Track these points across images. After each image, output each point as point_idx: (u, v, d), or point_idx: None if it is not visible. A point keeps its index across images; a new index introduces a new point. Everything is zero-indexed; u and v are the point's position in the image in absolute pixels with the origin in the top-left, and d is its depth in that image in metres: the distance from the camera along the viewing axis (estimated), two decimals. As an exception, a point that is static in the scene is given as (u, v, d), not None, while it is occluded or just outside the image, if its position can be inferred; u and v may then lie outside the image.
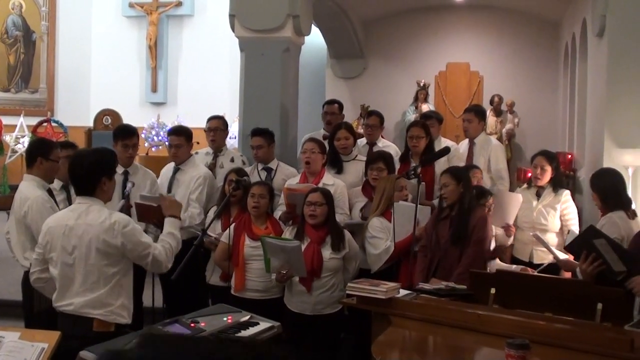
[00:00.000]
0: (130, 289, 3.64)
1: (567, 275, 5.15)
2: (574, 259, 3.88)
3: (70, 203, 4.97)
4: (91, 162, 3.58)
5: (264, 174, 5.81)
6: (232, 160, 6.12)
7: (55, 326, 3.50)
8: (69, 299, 3.49)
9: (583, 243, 3.85)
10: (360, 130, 7.94)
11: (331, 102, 6.71)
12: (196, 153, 6.04)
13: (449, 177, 4.70)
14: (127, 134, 5.47)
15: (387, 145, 6.13)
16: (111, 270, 3.49)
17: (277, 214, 5.30)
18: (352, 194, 5.44)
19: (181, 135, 5.71)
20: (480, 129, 6.30)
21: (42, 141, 5.12)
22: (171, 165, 5.77)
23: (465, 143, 6.35)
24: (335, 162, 5.71)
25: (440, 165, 5.50)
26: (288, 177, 5.71)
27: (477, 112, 6.31)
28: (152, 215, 4.76)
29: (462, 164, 6.03)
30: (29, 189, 4.57)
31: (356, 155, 5.77)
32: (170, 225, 3.81)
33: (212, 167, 5.98)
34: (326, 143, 5.76)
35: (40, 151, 4.69)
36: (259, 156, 5.85)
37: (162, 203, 3.98)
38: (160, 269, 3.68)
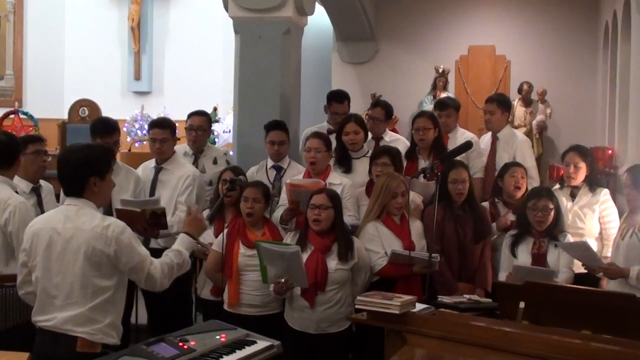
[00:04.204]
0: (121, 307, 3.59)
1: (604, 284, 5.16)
2: None
3: (41, 208, 4.96)
4: (78, 159, 3.53)
5: (272, 173, 5.77)
6: (214, 162, 6.09)
7: (21, 346, 3.48)
8: (50, 313, 3.44)
9: None
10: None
11: (340, 99, 6.47)
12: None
13: (465, 171, 5.17)
14: (107, 130, 5.43)
15: (396, 139, 6.10)
16: (103, 284, 3.44)
17: (278, 214, 5.27)
18: (357, 195, 5.40)
19: (166, 128, 5.70)
20: (504, 121, 6.28)
21: (12, 137, 5.04)
22: (150, 164, 5.75)
23: (487, 137, 6.33)
24: (343, 160, 5.69)
25: None
26: None
27: (500, 102, 6.28)
28: (135, 221, 4.76)
29: (483, 160, 6.03)
30: (4, 192, 4.48)
31: (367, 152, 5.71)
32: (180, 242, 3.77)
33: None
34: (333, 138, 5.74)
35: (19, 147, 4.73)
36: (281, 153, 5.79)
37: (186, 218, 3.96)
38: (154, 286, 3.62)
